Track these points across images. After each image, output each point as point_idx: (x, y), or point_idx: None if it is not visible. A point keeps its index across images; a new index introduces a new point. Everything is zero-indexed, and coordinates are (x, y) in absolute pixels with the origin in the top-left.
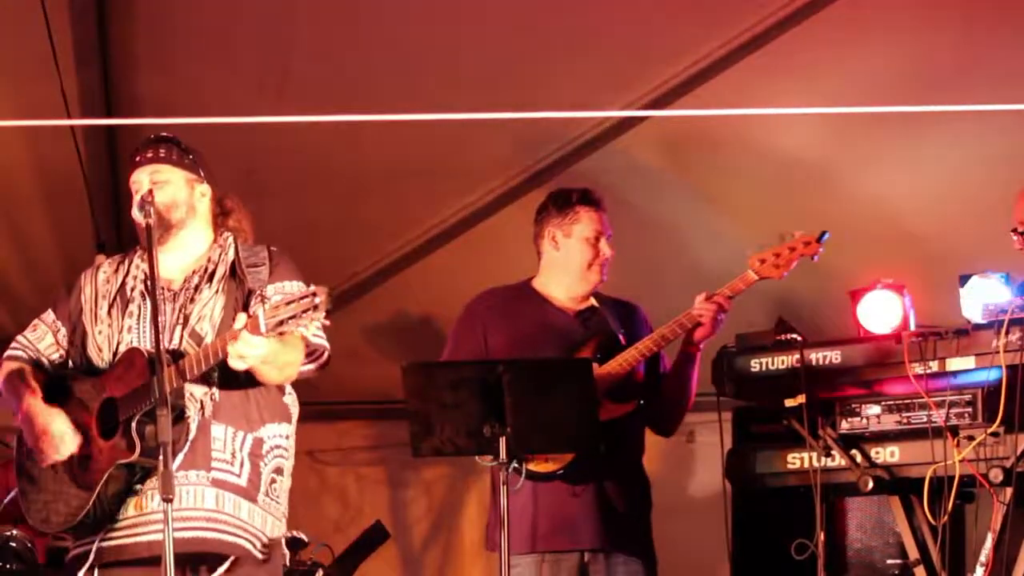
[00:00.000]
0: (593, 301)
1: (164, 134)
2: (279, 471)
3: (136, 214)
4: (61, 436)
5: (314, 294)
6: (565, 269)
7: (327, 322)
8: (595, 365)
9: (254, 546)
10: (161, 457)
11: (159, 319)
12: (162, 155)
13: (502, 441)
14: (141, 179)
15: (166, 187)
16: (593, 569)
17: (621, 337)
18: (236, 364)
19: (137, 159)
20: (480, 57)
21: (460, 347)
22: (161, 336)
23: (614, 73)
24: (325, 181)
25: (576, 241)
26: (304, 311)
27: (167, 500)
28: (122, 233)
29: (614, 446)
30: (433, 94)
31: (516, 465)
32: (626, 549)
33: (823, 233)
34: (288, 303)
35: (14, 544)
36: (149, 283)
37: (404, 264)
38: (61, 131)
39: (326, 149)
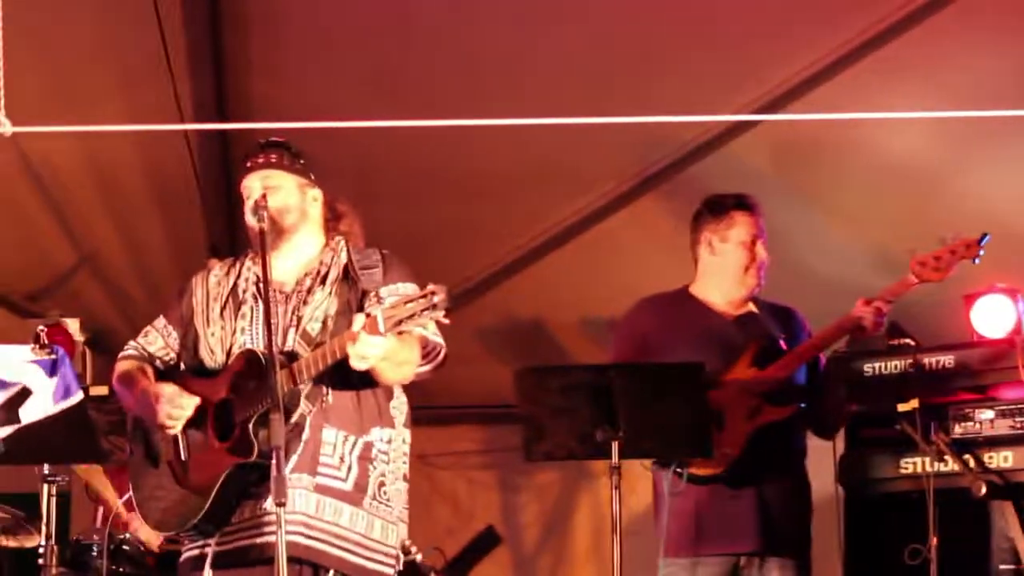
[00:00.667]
0: (752, 306)
1: (275, 139)
2: (388, 475)
3: (250, 219)
4: (175, 393)
5: (433, 292)
6: (722, 274)
7: (446, 320)
8: (755, 370)
9: (352, 553)
10: (274, 462)
11: (272, 321)
12: (273, 160)
13: (614, 445)
14: (253, 184)
15: (278, 192)
16: (747, 573)
17: (781, 342)
18: (357, 364)
19: (248, 164)
20: (592, 61)
21: (622, 355)
22: (274, 338)
23: (726, 77)
24: (437, 185)
25: (732, 246)
26: (423, 310)
27: (280, 505)
28: (235, 237)
29: (775, 450)
30: (545, 98)
31: (679, 469)
32: (782, 553)
33: (984, 235)
34: (407, 302)
35: (126, 547)
36: (262, 287)
37: (516, 268)
38: (174, 135)
39: (438, 153)
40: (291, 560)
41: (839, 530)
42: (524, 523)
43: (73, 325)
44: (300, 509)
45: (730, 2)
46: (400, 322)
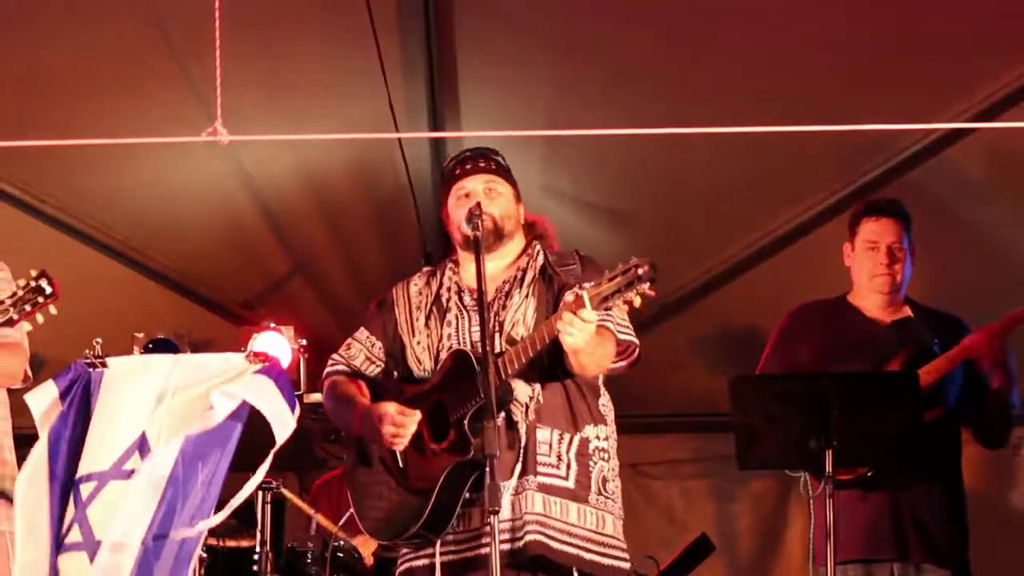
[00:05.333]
0: (908, 311)
1: (488, 148)
2: (607, 471)
3: (465, 226)
4: (397, 411)
5: (637, 265)
6: (858, 280)
7: (652, 292)
8: None
9: (586, 550)
10: (488, 469)
11: (476, 328)
12: (494, 168)
13: (827, 454)
14: (474, 187)
15: (500, 199)
16: None
17: (936, 348)
18: (568, 341)
19: (468, 166)
20: (804, 69)
21: (772, 359)
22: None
23: (941, 85)
24: (649, 194)
25: (859, 252)
26: (628, 283)
27: (493, 512)
28: (449, 244)
29: (923, 454)
30: (757, 107)
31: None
32: (937, 561)
33: None
34: (611, 278)
35: (341, 554)
36: (468, 294)
37: (730, 276)
38: (389, 144)
39: (650, 162)
40: (530, 562)
41: None
42: (738, 532)
43: (288, 332)
44: (532, 509)
45: (947, 11)
46: (606, 298)
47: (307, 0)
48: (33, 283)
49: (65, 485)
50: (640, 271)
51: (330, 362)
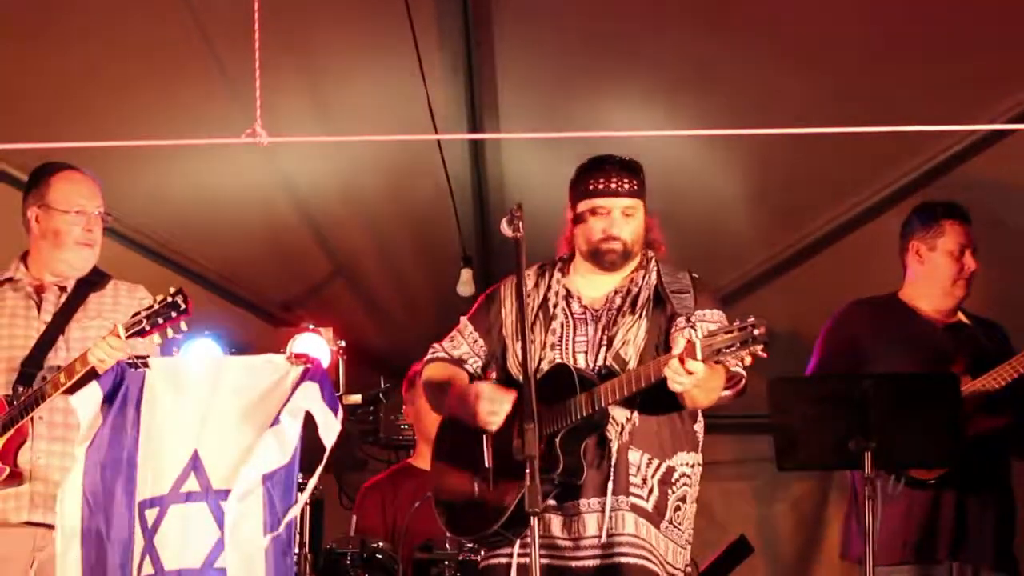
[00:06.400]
0: (962, 316)
1: (630, 158)
2: (684, 499)
3: (505, 228)
4: (493, 391)
5: (753, 325)
6: (930, 283)
7: (764, 355)
8: (967, 378)
9: (663, 573)
10: (528, 471)
11: (581, 338)
12: (635, 189)
13: (867, 456)
14: (608, 206)
15: (633, 222)
16: None
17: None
18: (675, 387)
19: (613, 186)
20: (845, 68)
21: (828, 359)
22: (585, 355)
23: (983, 85)
24: (688, 195)
25: (940, 255)
26: (743, 342)
27: (533, 514)
28: (487, 246)
29: (983, 461)
30: (799, 105)
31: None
32: (992, 564)
33: None
34: (726, 333)
35: (379, 556)
36: (571, 303)
37: (770, 277)
38: (428, 145)
39: (689, 162)
40: None
41: None
42: (778, 533)
43: (327, 334)
44: (626, 530)
45: (989, 9)
46: (718, 351)
47: (346, 1)
48: (169, 299)
49: (121, 499)
50: (756, 332)
51: (431, 350)
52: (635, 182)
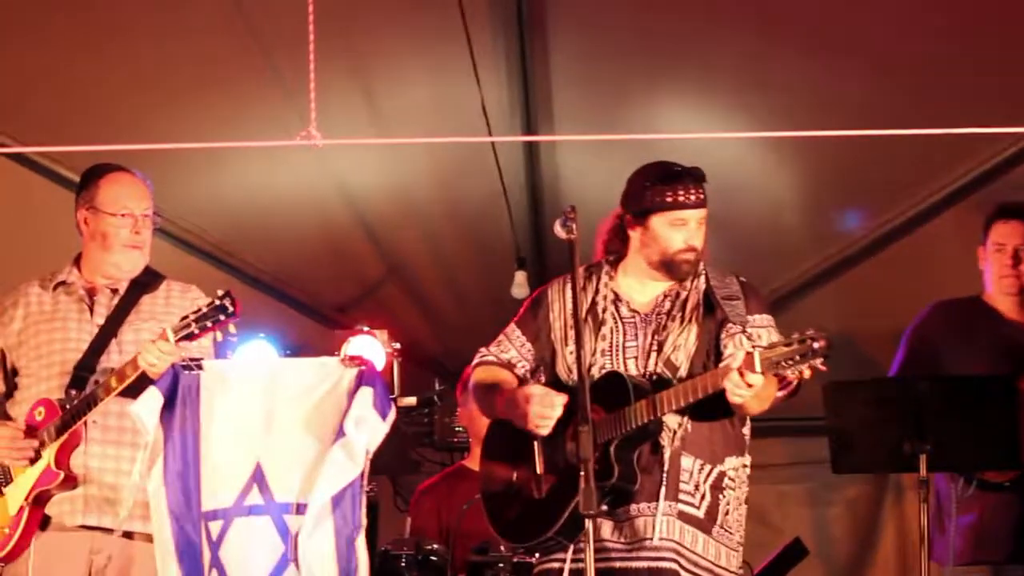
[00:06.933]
0: None
1: (697, 167)
2: (734, 502)
3: (559, 230)
4: (545, 393)
5: (813, 339)
6: (988, 281)
7: (824, 368)
8: None
9: None
10: (582, 473)
11: (631, 343)
12: (704, 198)
13: (922, 458)
14: (687, 217)
15: (702, 231)
16: None
17: None
18: (734, 399)
19: (692, 198)
20: (901, 70)
21: (909, 360)
22: (635, 361)
23: None
24: (744, 196)
25: (991, 253)
26: (802, 355)
27: (588, 516)
28: (542, 248)
29: None
30: (855, 107)
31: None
32: None
33: None
34: (786, 346)
35: (435, 558)
36: (618, 307)
37: (822, 280)
38: (482, 147)
39: (745, 164)
40: None
41: None
42: (833, 536)
43: (382, 336)
44: (670, 536)
45: None
46: (778, 364)
47: (400, 2)
48: (217, 302)
49: (189, 509)
50: (816, 345)
51: (480, 353)
52: (702, 192)
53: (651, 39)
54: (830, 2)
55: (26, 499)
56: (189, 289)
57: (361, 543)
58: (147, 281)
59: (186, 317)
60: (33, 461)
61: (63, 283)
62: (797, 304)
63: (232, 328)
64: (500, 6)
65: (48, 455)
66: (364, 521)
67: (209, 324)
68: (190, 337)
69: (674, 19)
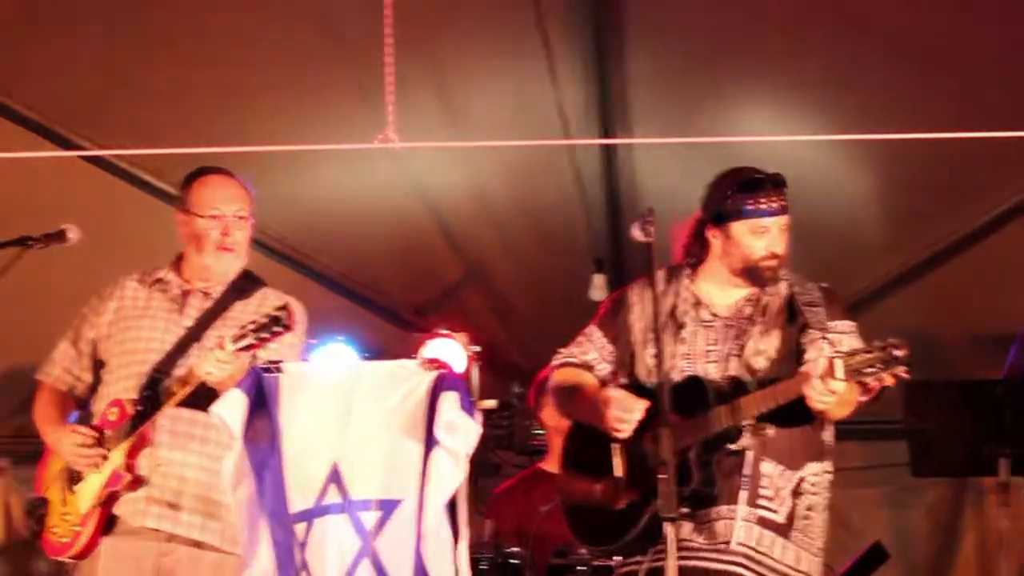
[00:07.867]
0: None
1: (778, 173)
2: (814, 508)
3: (637, 232)
4: (624, 397)
5: (895, 346)
6: None
7: (906, 376)
8: None
9: None
10: (663, 476)
11: (711, 347)
12: (786, 204)
13: (1002, 462)
14: (769, 224)
15: (784, 238)
16: None
17: None
18: (817, 406)
19: (775, 205)
20: (977, 71)
21: (1018, 362)
22: (716, 365)
23: None
24: (822, 198)
25: None
26: (884, 362)
27: (669, 520)
28: (620, 250)
29: None
30: (932, 108)
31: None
32: None
33: None
34: (867, 353)
35: (515, 561)
36: (700, 311)
37: (904, 281)
38: (559, 149)
39: (822, 166)
40: None
41: None
42: (913, 540)
43: (461, 339)
44: (744, 541)
45: None
46: (859, 371)
47: (476, 4)
48: (274, 313)
49: (278, 513)
50: (897, 353)
51: (559, 354)
52: (786, 198)
53: (727, 40)
54: (914, 4)
55: (97, 499)
56: (282, 298)
57: (463, 549)
58: (244, 287)
59: (244, 327)
60: (103, 461)
61: (159, 281)
62: (875, 308)
63: (288, 339)
64: (577, 6)
65: (117, 457)
66: (466, 531)
67: (266, 335)
68: (248, 348)
69: (751, 20)
